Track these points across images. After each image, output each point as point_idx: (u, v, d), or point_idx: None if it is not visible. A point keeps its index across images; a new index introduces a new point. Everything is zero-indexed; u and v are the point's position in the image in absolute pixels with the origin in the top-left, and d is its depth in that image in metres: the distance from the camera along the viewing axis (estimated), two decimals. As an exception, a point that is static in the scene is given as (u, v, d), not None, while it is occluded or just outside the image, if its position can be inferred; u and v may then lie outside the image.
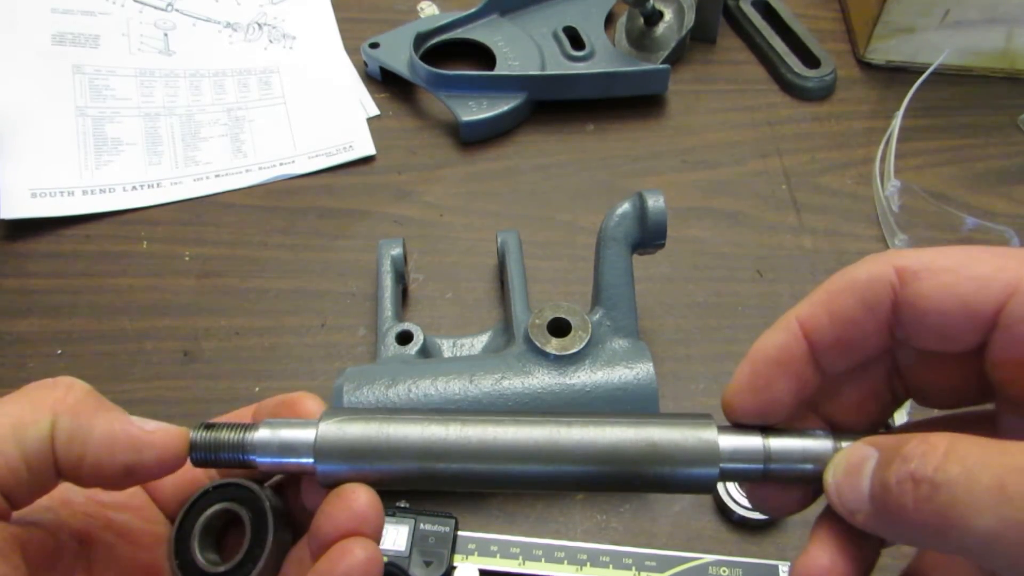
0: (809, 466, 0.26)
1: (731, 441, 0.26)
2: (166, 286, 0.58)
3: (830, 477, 0.25)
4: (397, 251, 0.56)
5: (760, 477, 0.27)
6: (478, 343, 0.53)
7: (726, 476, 0.26)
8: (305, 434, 0.26)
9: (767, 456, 0.26)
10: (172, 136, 0.66)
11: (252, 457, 0.27)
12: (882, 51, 0.72)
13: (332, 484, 0.27)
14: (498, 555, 0.45)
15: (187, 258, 0.60)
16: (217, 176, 0.64)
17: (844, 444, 0.26)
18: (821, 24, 0.77)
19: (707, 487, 0.27)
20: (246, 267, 0.59)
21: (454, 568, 0.44)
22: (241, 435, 0.27)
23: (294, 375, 0.54)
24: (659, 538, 0.47)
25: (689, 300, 0.58)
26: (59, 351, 0.54)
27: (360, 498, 0.26)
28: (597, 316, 0.49)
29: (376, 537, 0.26)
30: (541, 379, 0.46)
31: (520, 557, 0.45)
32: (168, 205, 0.62)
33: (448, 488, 0.27)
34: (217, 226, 0.61)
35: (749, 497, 0.29)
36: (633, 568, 0.44)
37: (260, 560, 0.28)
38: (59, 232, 0.60)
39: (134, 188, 0.63)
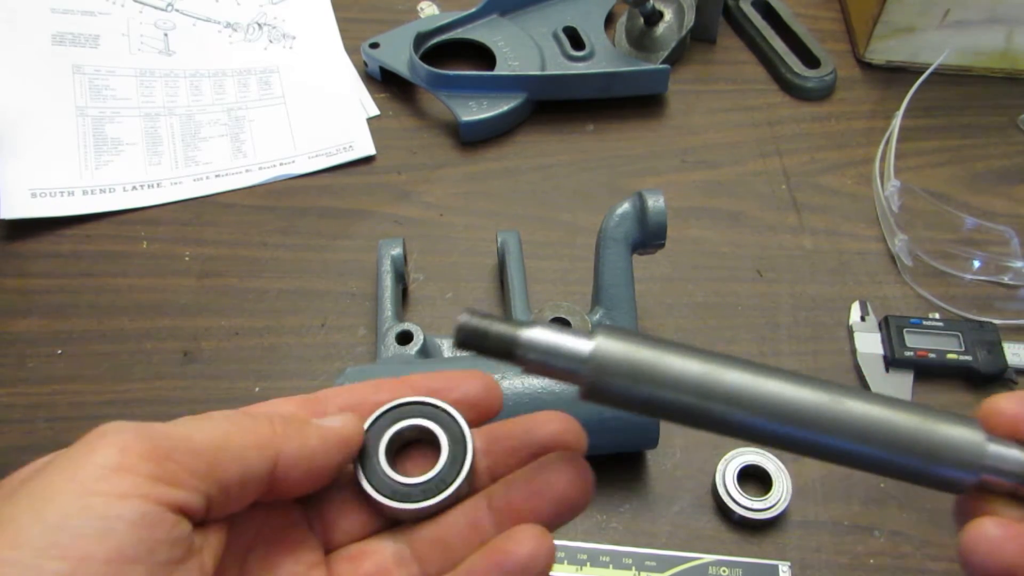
0: None
1: (997, 449, 0.26)
2: (166, 286, 0.58)
3: None
4: (397, 251, 0.56)
5: (1010, 492, 0.26)
6: (478, 343, 0.53)
7: (983, 485, 0.26)
8: (580, 344, 0.26)
9: None
10: (172, 136, 0.66)
11: (520, 353, 0.26)
12: (882, 51, 0.72)
13: (595, 396, 0.27)
14: (498, 555, 0.45)
15: (187, 258, 0.60)
16: (217, 176, 0.64)
17: None
18: (821, 24, 0.77)
19: (958, 490, 0.27)
20: (246, 267, 0.59)
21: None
22: (514, 330, 0.26)
23: (294, 375, 0.54)
24: (659, 538, 0.47)
25: (689, 300, 0.58)
26: (59, 351, 0.54)
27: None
28: (597, 316, 0.49)
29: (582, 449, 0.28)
30: (541, 379, 0.46)
31: (520, 557, 0.45)
32: (168, 205, 0.62)
33: (710, 430, 0.27)
34: (217, 226, 0.61)
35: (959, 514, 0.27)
36: (633, 568, 0.44)
37: (458, 479, 0.27)
38: (59, 232, 0.60)
39: (134, 188, 0.63)
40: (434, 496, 0.27)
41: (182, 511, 0.22)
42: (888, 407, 0.27)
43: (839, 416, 0.26)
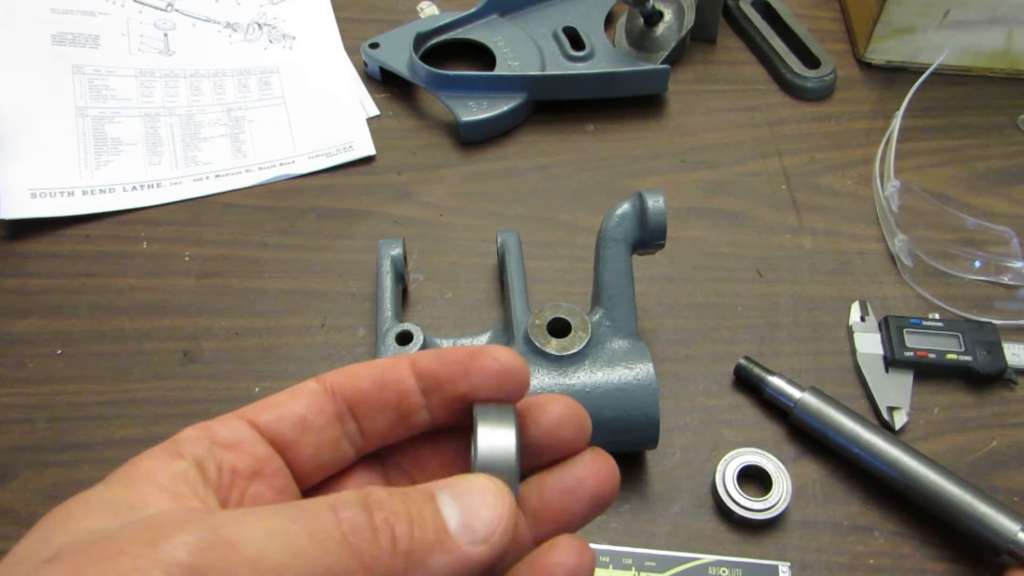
0: None
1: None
2: (166, 286, 0.58)
3: None
4: (397, 251, 0.56)
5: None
6: (478, 343, 0.53)
7: (1011, 552, 0.44)
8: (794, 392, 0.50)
9: None
10: (172, 136, 0.66)
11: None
12: (882, 51, 0.72)
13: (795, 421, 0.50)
14: (498, 555, 0.45)
15: (187, 258, 0.60)
16: (217, 176, 0.64)
17: None
18: (821, 24, 0.77)
19: (997, 552, 0.44)
20: (246, 267, 0.59)
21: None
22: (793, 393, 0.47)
23: (294, 375, 0.54)
24: (659, 538, 0.47)
25: (689, 300, 0.58)
26: (59, 351, 0.54)
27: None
28: (597, 316, 0.49)
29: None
30: (541, 379, 0.46)
31: (520, 557, 0.45)
32: (168, 205, 0.62)
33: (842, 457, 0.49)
34: (217, 226, 0.61)
35: None
36: (633, 568, 0.44)
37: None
38: (59, 232, 0.60)
39: (134, 188, 0.63)
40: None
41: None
42: (958, 486, 0.46)
43: (932, 483, 0.46)
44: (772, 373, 0.52)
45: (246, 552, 0.18)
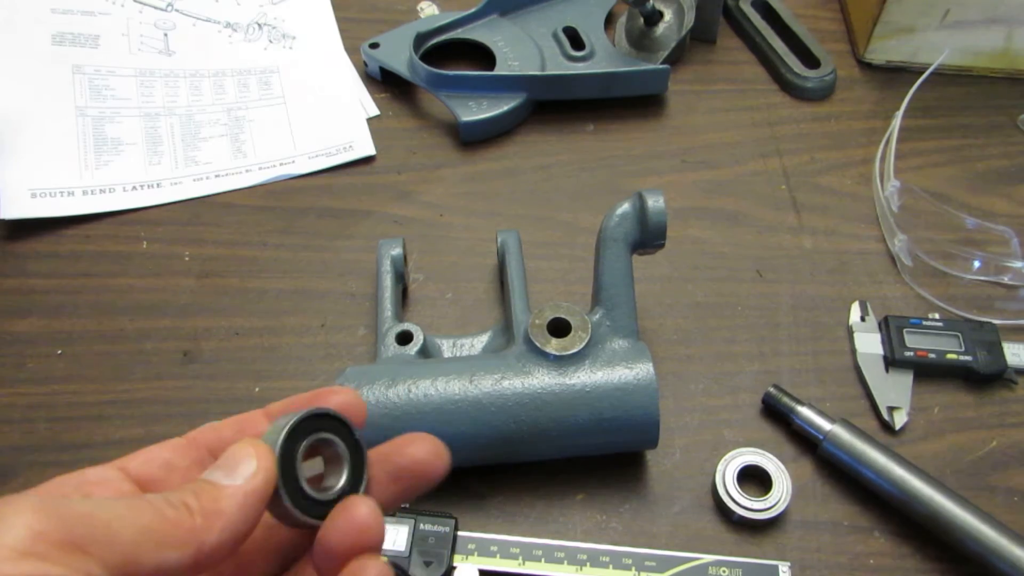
0: None
1: None
2: (166, 286, 0.58)
3: None
4: (397, 251, 0.56)
5: None
6: (478, 343, 0.53)
7: None
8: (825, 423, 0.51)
9: None
10: (172, 136, 0.66)
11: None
12: (882, 51, 0.72)
13: (823, 453, 0.50)
14: (498, 555, 0.45)
15: (187, 258, 0.60)
16: (217, 176, 0.64)
17: None
18: (821, 24, 0.77)
19: None
20: (246, 267, 0.59)
21: (454, 568, 0.44)
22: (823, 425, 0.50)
23: (294, 375, 0.54)
24: (659, 538, 0.47)
25: (689, 300, 0.58)
26: (59, 351, 0.54)
27: (363, 511, 0.26)
28: (597, 316, 0.49)
29: (379, 546, 0.27)
30: (541, 379, 0.46)
31: (520, 557, 0.45)
32: (168, 205, 0.62)
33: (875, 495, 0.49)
34: (217, 226, 0.61)
35: None
36: (633, 568, 0.44)
37: (362, 486, 0.28)
38: (59, 232, 0.60)
39: (134, 188, 0.63)
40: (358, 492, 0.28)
41: None
42: (999, 533, 0.45)
43: (964, 523, 0.45)
44: (802, 403, 0.50)
45: (77, 509, 0.22)
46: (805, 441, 0.51)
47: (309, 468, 0.28)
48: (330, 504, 0.27)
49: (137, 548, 0.22)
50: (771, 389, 0.52)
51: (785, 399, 0.51)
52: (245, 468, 0.25)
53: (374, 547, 0.26)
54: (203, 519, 0.24)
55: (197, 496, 0.24)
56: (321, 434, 0.28)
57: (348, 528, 0.26)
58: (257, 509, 0.25)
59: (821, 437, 0.49)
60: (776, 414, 0.52)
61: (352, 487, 0.28)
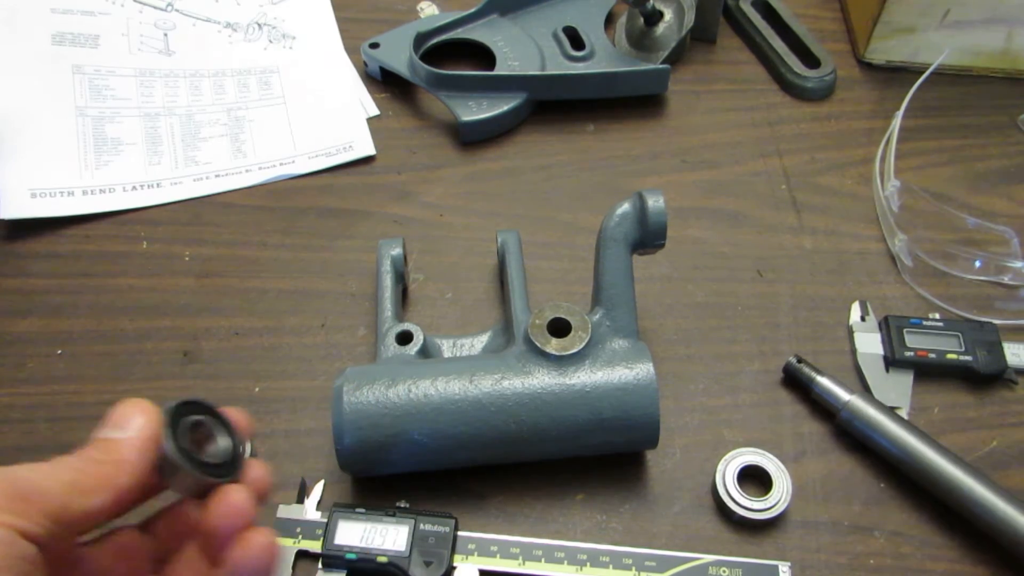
0: None
1: None
2: (166, 286, 0.58)
3: None
4: (397, 251, 0.56)
5: None
6: (478, 343, 0.53)
7: None
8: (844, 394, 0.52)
9: None
10: (172, 136, 0.66)
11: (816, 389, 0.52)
12: (882, 51, 0.72)
13: (842, 424, 0.51)
14: (498, 555, 0.45)
15: (187, 258, 0.60)
16: (217, 176, 0.64)
17: None
18: (821, 24, 0.77)
19: None
20: (246, 267, 0.59)
21: (454, 568, 0.44)
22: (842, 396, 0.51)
23: (294, 375, 0.54)
24: (659, 538, 0.47)
25: (689, 300, 0.58)
26: (59, 351, 0.54)
27: (239, 496, 0.31)
28: (597, 316, 0.49)
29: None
30: (541, 379, 0.46)
31: (520, 557, 0.45)
32: (168, 205, 0.62)
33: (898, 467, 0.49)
34: (217, 226, 0.61)
35: None
36: (633, 568, 0.44)
37: (247, 451, 0.33)
38: (59, 232, 0.60)
39: (134, 188, 0.63)
40: (236, 469, 0.32)
41: (33, 539, 0.26)
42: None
43: (980, 496, 0.46)
44: (822, 373, 0.52)
45: (18, 472, 0.28)
46: (822, 410, 0.52)
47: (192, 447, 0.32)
48: (214, 467, 0.31)
49: (67, 499, 0.28)
50: (791, 359, 0.53)
51: (806, 369, 0.52)
52: (135, 423, 0.30)
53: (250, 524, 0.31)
54: (112, 467, 0.29)
55: (101, 451, 0.29)
56: (198, 416, 0.32)
57: (227, 512, 0.30)
58: (152, 452, 0.30)
59: (839, 407, 0.50)
60: (796, 383, 0.53)
61: (232, 457, 0.32)
